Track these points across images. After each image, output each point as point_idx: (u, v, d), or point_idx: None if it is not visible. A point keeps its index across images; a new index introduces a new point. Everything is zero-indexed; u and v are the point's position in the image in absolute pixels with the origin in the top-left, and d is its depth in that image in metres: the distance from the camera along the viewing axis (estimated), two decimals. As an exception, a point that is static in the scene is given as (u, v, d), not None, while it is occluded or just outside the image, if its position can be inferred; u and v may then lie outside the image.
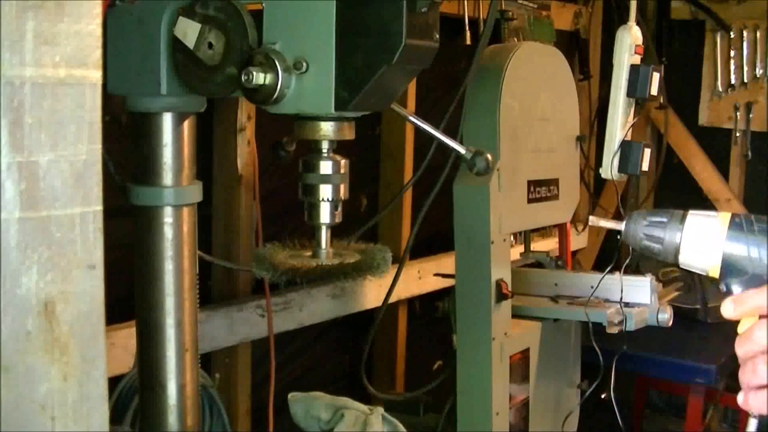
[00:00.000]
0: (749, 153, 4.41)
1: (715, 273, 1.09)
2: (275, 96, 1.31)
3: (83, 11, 0.98)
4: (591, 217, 1.22)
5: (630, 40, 2.61)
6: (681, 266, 1.11)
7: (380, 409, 2.28)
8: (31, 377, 0.97)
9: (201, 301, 1.56)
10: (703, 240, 1.09)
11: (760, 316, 1.02)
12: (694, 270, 1.12)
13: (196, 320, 1.53)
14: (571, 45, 4.11)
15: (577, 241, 4.13)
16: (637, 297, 2.65)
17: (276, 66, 1.30)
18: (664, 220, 1.12)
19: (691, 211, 1.11)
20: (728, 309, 1.04)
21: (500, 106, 2.48)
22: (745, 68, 4.37)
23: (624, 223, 1.16)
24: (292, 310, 2.74)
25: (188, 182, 1.49)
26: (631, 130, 2.69)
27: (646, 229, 1.13)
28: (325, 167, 1.39)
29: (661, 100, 4.07)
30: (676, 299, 2.92)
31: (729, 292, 1.08)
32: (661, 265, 3.27)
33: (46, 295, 0.97)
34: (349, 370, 3.23)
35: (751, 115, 4.38)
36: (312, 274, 1.40)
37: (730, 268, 1.08)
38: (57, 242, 0.97)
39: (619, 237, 1.16)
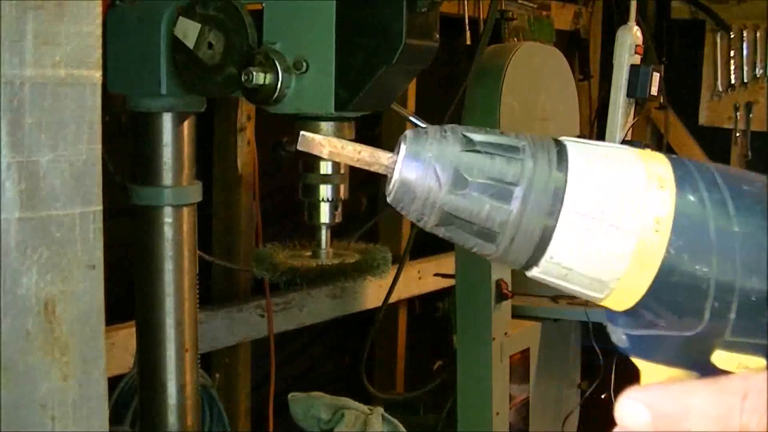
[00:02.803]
0: (749, 153, 4.41)
1: (629, 292, 0.48)
2: (275, 96, 1.31)
3: (83, 11, 0.98)
4: (309, 136, 0.51)
5: (630, 40, 2.61)
6: (538, 273, 0.49)
7: (380, 409, 2.28)
8: (31, 377, 0.97)
9: (201, 301, 1.56)
10: (617, 207, 0.47)
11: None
12: (566, 284, 0.49)
13: (196, 320, 1.53)
14: (571, 45, 4.11)
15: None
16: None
17: (276, 66, 1.30)
18: (517, 144, 0.49)
19: (568, 139, 0.50)
20: (637, 417, 0.44)
21: (500, 106, 2.48)
22: (745, 68, 4.37)
23: (402, 149, 0.49)
24: (292, 310, 2.74)
25: (188, 182, 1.49)
26: (631, 130, 2.69)
27: (468, 166, 0.48)
28: (325, 167, 1.39)
29: (661, 100, 4.06)
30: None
31: (632, 351, 0.51)
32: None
33: (46, 295, 0.97)
34: (349, 370, 3.23)
35: (751, 115, 4.38)
36: (312, 275, 1.40)
37: (670, 283, 0.47)
38: (57, 242, 0.97)
39: (389, 194, 0.50)
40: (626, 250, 0.47)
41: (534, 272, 0.49)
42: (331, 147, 0.50)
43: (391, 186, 0.49)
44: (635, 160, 0.48)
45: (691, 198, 0.47)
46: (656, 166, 0.48)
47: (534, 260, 0.48)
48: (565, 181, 0.47)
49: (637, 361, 0.52)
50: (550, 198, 0.47)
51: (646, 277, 0.47)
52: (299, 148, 0.51)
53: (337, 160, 0.51)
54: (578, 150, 0.48)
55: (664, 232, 0.46)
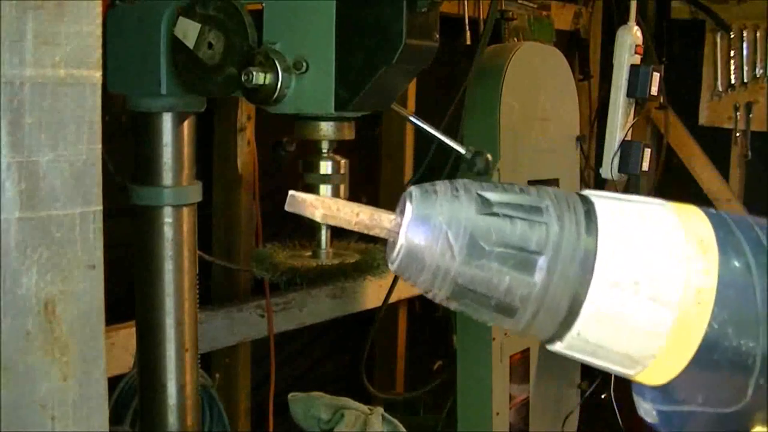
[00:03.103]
0: (749, 153, 4.41)
1: (666, 367, 0.42)
2: (275, 96, 1.31)
3: (83, 11, 0.98)
4: (294, 195, 0.50)
5: (630, 40, 2.61)
6: (563, 349, 0.44)
7: (380, 409, 2.28)
8: (31, 377, 0.97)
9: (201, 301, 1.56)
10: (654, 274, 0.41)
11: None
12: (595, 360, 0.44)
13: (196, 320, 1.53)
14: (571, 45, 4.11)
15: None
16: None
17: (276, 66, 1.29)
18: (539, 204, 0.42)
19: (593, 194, 0.44)
20: None
21: (500, 106, 2.48)
22: (745, 68, 4.36)
23: (408, 211, 0.43)
24: (292, 310, 2.74)
25: (188, 182, 1.49)
26: (631, 130, 2.69)
27: (487, 231, 0.42)
28: (325, 167, 1.39)
29: (661, 100, 4.07)
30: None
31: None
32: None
33: (46, 295, 0.97)
34: (349, 370, 3.23)
35: (751, 115, 4.38)
36: (312, 275, 1.40)
37: (710, 358, 0.41)
38: (57, 242, 0.97)
39: (396, 258, 0.44)
40: (664, 324, 0.41)
41: (557, 347, 0.44)
42: (324, 209, 0.45)
43: (395, 253, 0.43)
44: (672, 220, 0.42)
45: (736, 264, 0.40)
46: (695, 225, 0.42)
47: (558, 336, 0.43)
48: (596, 247, 0.41)
49: None
50: (578, 267, 0.41)
51: (685, 353, 0.42)
52: (288, 209, 0.46)
53: (331, 223, 0.44)
54: (608, 208, 0.43)
55: (707, 303, 0.40)
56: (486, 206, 0.41)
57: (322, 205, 0.45)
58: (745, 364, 0.40)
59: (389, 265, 0.44)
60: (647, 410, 0.46)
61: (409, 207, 0.42)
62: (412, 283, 0.43)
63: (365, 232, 0.43)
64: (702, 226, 0.42)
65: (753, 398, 0.41)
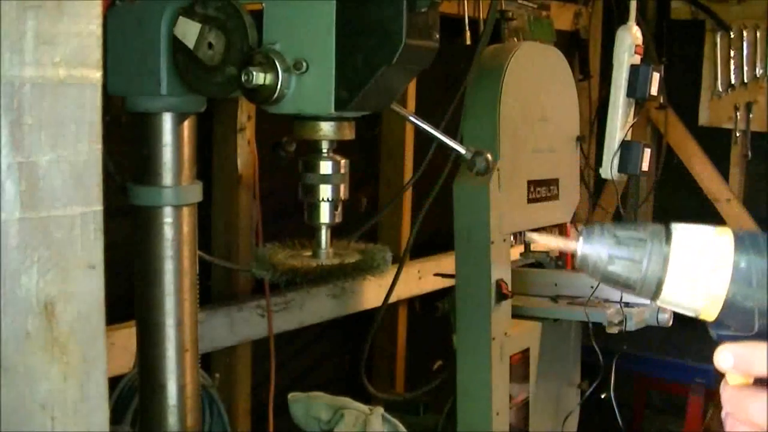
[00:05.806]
0: (749, 153, 4.41)
1: (710, 314, 0.81)
2: (275, 96, 1.31)
3: (83, 11, 0.98)
4: (529, 235, 0.94)
5: (630, 40, 2.61)
6: (660, 304, 0.83)
7: (380, 409, 2.28)
8: (31, 377, 0.97)
9: (201, 301, 1.56)
10: (699, 266, 0.79)
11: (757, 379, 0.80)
12: (678, 309, 0.83)
13: (196, 320, 1.53)
14: (571, 45, 4.12)
15: (577, 241, 4.12)
16: (637, 297, 2.64)
17: (276, 66, 1.30)
18: (642, 236, 0.80)
19: (675, 224, 0.81)
20: (725, 362, 0.79)
21: (500, 106, 2.48)
22: (745, 68, 4.37)
23: (581, 241, 0.81)
24: (292, 310, 2.74)
25: (188, 182, 1.49)
26: (631, 130, 2.69)
27: (615, 250, 0.80)
28: (325, 167, 1.39)
29: (661, 100, 4.07)
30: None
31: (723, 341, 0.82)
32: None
33: (46, 295, 0.97)
34: (349, 370, 3.23)
35: (751, 115, 4.38)
36: (312, 274, 1.40)
37: (732, 310, 0.80)
38: (57, 242, 0.97)
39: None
40: (702, 301, 0.81)
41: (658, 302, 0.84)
42: (535, 241, 0.99)
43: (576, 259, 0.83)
44: (720, 244, 0.80)
45: (743, 265, 0.79)
46: (725, 242, 0.80)
47: (651, 297, 0.83)
48: (669, 254, 0.80)
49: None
50: (661, 265, 0.80)
51: (716, 307, 0.81)
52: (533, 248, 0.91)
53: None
54: (681, 233, 0.80)
55: (725, 287, 0.80)
56: (605, 238, 0.83)
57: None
58: (751, 313, 0.80)
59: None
60: (712, 333, 0.83)
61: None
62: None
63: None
64: (728, 245, 0.81)
65: (758, 330, 0.81)
